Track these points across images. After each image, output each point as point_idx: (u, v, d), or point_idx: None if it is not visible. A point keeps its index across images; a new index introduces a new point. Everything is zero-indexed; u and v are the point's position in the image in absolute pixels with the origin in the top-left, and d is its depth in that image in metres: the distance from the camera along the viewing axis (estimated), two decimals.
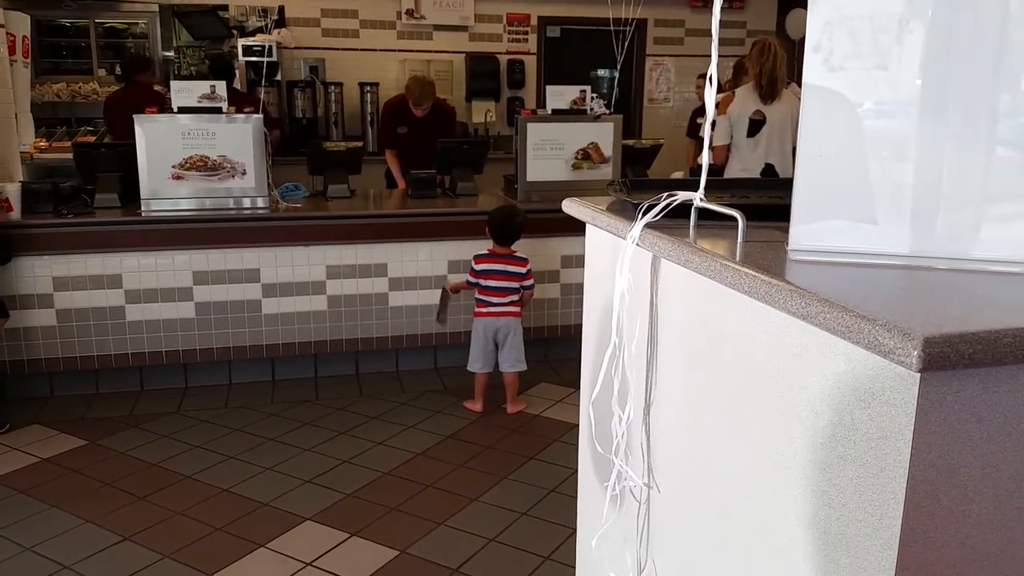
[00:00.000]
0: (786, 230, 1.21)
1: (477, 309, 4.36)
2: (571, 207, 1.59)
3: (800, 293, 0.88)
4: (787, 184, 1.78)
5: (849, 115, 1.05)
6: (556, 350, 5.15)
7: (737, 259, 1.06)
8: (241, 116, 4.61)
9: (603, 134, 4.97)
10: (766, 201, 1.36)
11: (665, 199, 1.22)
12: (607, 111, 4.96)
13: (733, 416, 1.12)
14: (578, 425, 4.13)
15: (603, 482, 1.55)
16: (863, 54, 1.01)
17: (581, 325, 4.94)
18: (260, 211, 4.62)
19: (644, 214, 1.24)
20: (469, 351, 4.37)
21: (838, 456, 0.90)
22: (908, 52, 1.00)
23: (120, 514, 3.33)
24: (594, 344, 1.62)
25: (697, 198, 1.22)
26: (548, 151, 4.89)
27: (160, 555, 3.04)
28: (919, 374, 0.76)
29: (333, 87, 7.40)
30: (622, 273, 1.25)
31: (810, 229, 1.06)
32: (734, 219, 1.22)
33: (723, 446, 1.16)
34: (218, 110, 4.53)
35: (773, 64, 4.74)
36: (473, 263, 4.35)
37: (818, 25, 1.02)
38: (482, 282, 4.31)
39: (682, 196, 1.22)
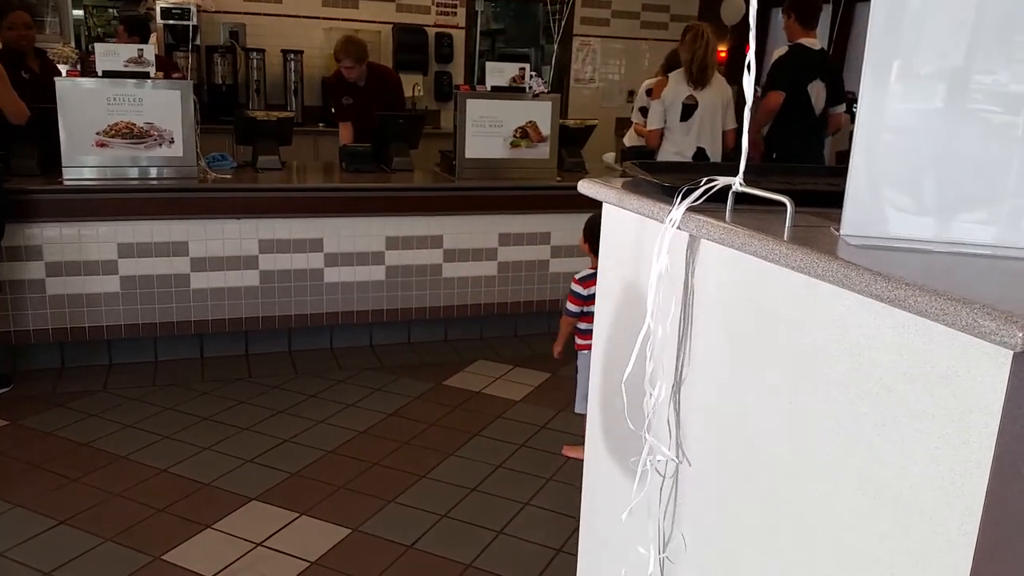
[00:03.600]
0: (824, 216, 1.27)
1: (582, 341, 3.52)
2: (589, 188, 1.60)
3: (885, 278, 0.94)
4: (780, 170, 1.84)
5: (906, 104, 1.10)
6: (491, 328, 5.18)
7: (794, 243, 1.10)
8: (169, 82, 4.41)
9: (541, 113, 4.99)
10: (809, 187, 1.42)
11: (705, 183, 1.26)
12: (546, 89, 4.98)
13: (787, 394, 1.17)
14: (519, 401, 4.22)
15: (619, 458, 1.59)
16: (921, 45, 1.07)
17: (517, 303, 4.99)
18: (188, 181, 4.44)
19: (683, 197, 1.27)
20: (576, 391, 3.55)
21: (913, 430, 0.96)
22: (959, 43, 1.06)
23: (52, 497, 3.18)
24: (610, 323, 1.65)
25: (737, 183, 1.26)
26: (487, 128, 4.88)
27: (100, 539, 2.93)
28: (1012, 353, 0.83)
29: (255, 53, 7.15)
30: (660, 255, 1.29)
31: (864, 216, 1.12)
32: (766, 204, 1.27)
33: (773, 422, 1.20)
34: (145, 75, 4.32)
35: (705, 51, 4.85)
36: (580, 288, 3.44)
37: (879, 16, 1.07)
38: (592, 308, 3.34)
39: (723, 181, 1.26)
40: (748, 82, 1.24)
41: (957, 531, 0.91)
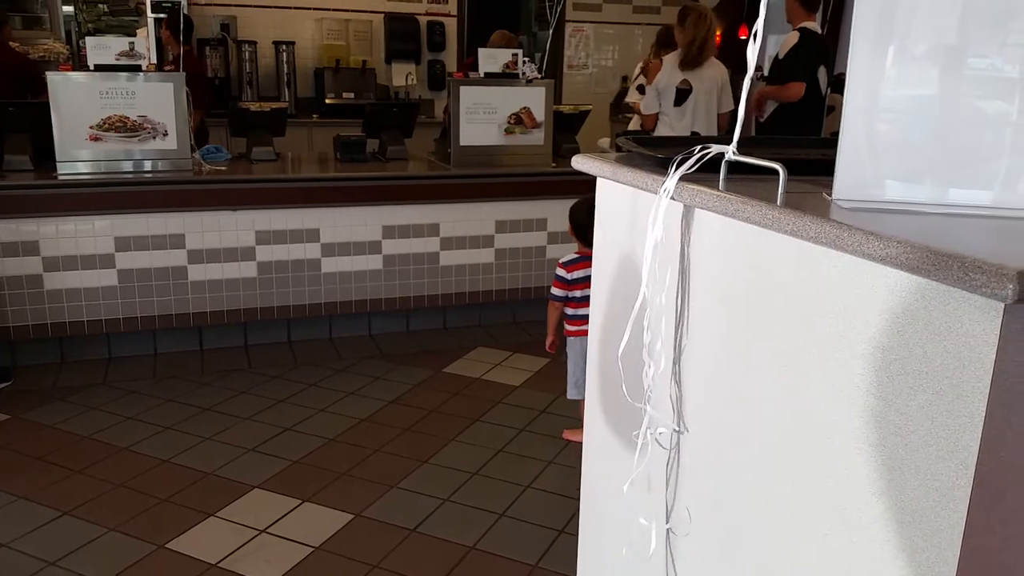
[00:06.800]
0: (816, 183, 1.28)
1: (571, 327, 3.50)
2: (583, 163, 1.61)
3: (877, 237, 0.95)
4: (771, 142, 1.85)
5: (897, 69, 1.11)
6: (490, 314, 5.19)
7: (786, 208, 1.11)
8: (161, 75, 4.41)
9: (535, 99, 4.98)
10: (801, 156, 1.43)
11: (699, 152, 1.27)
12: (539, 75, 4.98)
13: (784, 359, 1.18)
14: (519, 387, 4.23)
15: (619, 433, 1.60)
16: (913, 10, 1.07)
17: (515, 290, 5.00)
18: (183, 174, 4.45)
19: (677, 168, 1.28)
20: (567, 378, 3.57)
21: (907, 387, 0.97)
22: (954, 8, 1.07)
23: (56, 489, 3.20)
24: (606, 297, 1.66)
25: (730, 151, 1.27)
26: (481, 115, 4.88)
27: (105, 528, 2.94)
28: (1003, 305, 0.84)
29: (246, 46, 7.13)
30: (655, 226, 1.29)
31: (856, 180, 1.13)
32: (759, 173, 1.28)
33: (771, 388, 1.22)
34: (137, 68, 4.32)
35: (707, 33, 4.84)
36: (564, 272, 3.43)
37: None
38: (577, 293, 3.43)
39: (716, 149, 1.27)
40: (752, 51, 1.24)
41: (952, 486, 0.92)
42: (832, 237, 1.01)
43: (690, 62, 4.89)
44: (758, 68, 7.37)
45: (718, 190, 1.26)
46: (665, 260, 1.37)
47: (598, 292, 1.71)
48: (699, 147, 1.27)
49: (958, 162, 1.10)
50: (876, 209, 1.10)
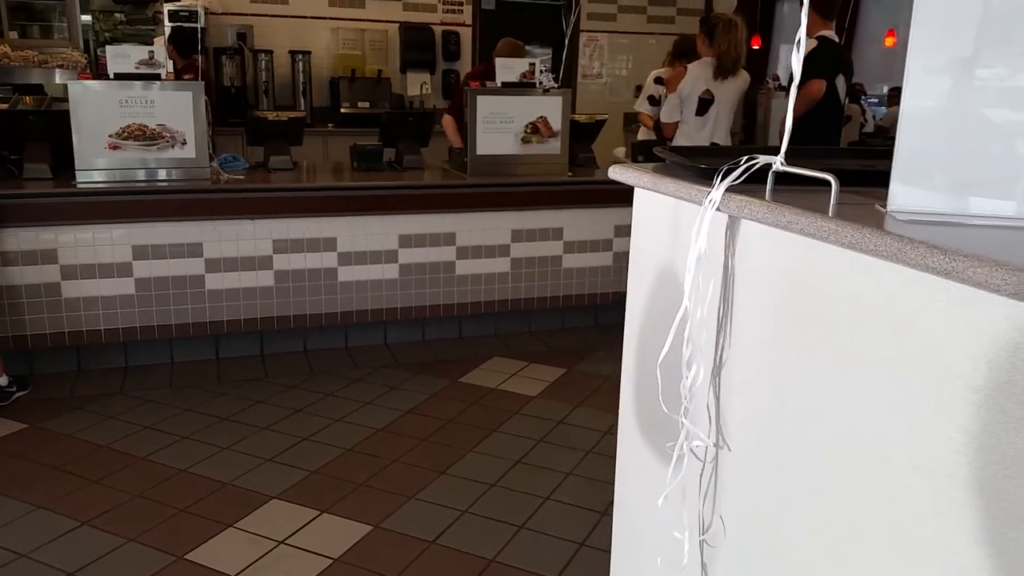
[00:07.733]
0: (865, 194, 1.26)
1: None
2: (622, 174, 1.59)
3: (942, 250, 0.92)
4: (808, 153, 1.83)
5: (954, 81, 1.09)
6: (506, 324, 5.18)
7: (842, 220, 1.09)
8: (180, 84, 4.42)
9: (551, 108, 4.98)
10: (848, 167, 1.41)
11: (746, 162, 1.25)
12: (556, 85, 4.97)
13: (837, 375, 1.16)
14: (536, 397, 4.21)
15: (654, 444, 1.58)
16: (964, 29, 1.06)
17: (531, 299, 4.98)
18: (201, 183, 4.45)
19: (723, 178, 1.26)
20: None
21: (971, 404, 0.95)
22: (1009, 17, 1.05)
23: (74, 498, 3.18)
24: (643, 308, 1.63)
25: (778, 162, 1.25)
26: (498, 124, 4.88)
27: (124, 539, 2.93)
28: None
29: (262, 55, 7.16)
30: (699, 237, 1.28)
31: (912, 192, 1.11)
32: (803, 184, 1.26)
33: (821, 402, 1.19)
34: (157, 77, 4.33)
35: (739, 40, 4.82)
36: None
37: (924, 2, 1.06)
38: None
39: (763, 160, 1.25)
40: (796, 60, 1.22)
41: (1021, 505, 0.90)
42: (894, 250, 0.99)
43: (724, 71, 4.86)
44: (775, 78, 7.35)
45: (767, 201, 1.24)
46: (707, 272, 1.35)
47: (634, 303, 1.69)
48: (745, 157, 1.26)
49: (1020, 174, 1.09)
50: (935, 221, 1.09)
